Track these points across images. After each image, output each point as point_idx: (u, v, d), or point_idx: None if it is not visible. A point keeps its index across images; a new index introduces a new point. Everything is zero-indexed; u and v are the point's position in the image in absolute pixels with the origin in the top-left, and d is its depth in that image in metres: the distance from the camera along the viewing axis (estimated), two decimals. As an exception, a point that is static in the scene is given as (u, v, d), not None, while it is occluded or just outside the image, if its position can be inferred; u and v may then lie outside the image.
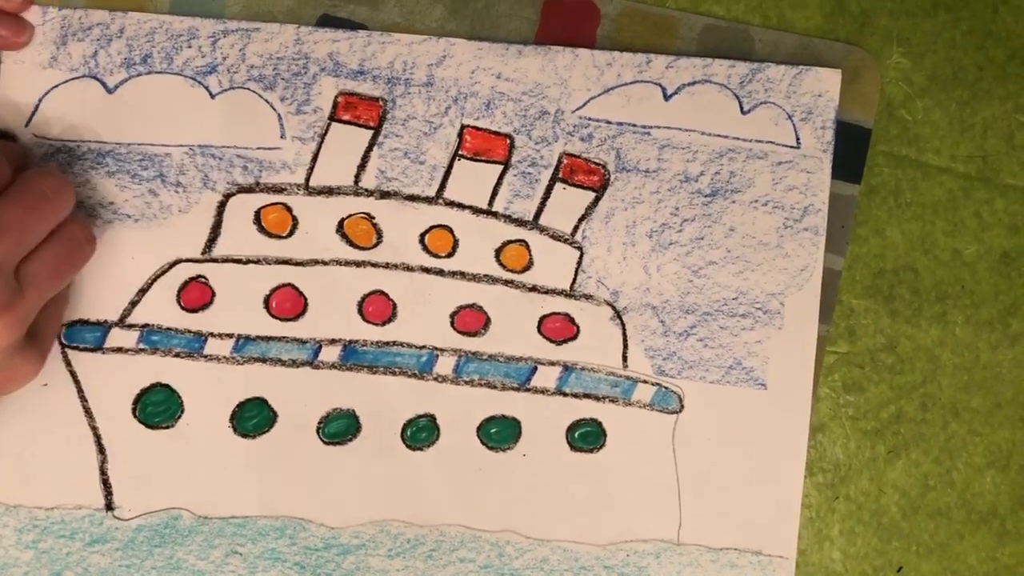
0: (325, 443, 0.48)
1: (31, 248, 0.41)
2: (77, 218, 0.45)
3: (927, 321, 0.51)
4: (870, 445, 0.51)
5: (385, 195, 0.49)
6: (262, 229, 0.48)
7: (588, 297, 0.49)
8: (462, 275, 0.49)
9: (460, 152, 0.49)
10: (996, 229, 0.51)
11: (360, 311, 0.48)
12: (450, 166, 0.49)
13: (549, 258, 0.49)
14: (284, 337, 0.48)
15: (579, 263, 0.49)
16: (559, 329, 0.49)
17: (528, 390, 0.49)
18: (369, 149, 0.48)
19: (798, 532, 0.49)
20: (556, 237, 0.49)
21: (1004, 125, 0.51)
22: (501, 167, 0.49)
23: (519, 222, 0.49)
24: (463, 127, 0.49)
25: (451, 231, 0.49)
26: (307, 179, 0.48)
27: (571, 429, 0.49)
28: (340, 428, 0.48)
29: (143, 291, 0.48)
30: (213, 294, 0.48)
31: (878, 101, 0.50)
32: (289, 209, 0.48)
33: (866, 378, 0.51)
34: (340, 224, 0.48)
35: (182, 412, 0.48)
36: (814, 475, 0.50)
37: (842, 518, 0.51)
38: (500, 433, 0.49)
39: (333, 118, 0.48)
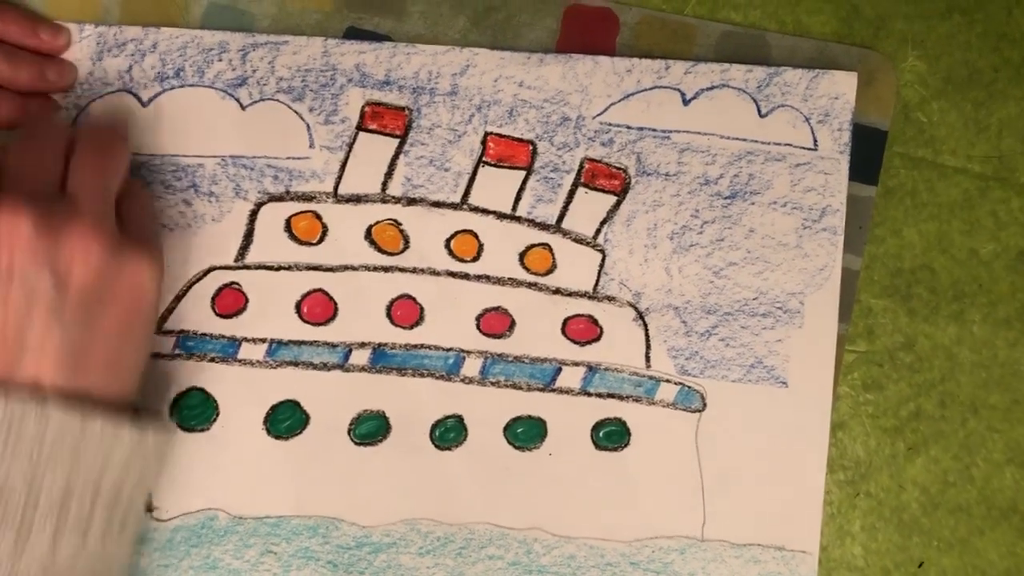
0: (356, 444, 0.49)
1: (54, 172, 0.42)
2: (99, 129, 0.46)
3: (945, 320, 0.51)
4: (890, 442, 0.51)
5: (411, 202, 0.49)
6: (293, 236, 0.49)
7: (611, 299, 0.50)
8: (487, 279, 0.50)
9: (484, 159, 0.49)
10: (1013, 228, 0.51)
11: (389, 315, 0.49)
12: (474, 172, 0.49)
13: (572, 261, 0.50)
14: (315, 341, 0.49)
15: (601, 265, 0.50)
16: (583, 330, 0.50)
17: (553, 390, 0.50)
18: (395, 157, 0.49)
19: (820, 528, 0.50)
20: (579, 240, 0.50)
21: (1019, 125, 0.51)
22: (524, 173, 0.50)
23: (542, 226, 0.50)
24: (487, 134, 0.49)
25: (476, 236, 0.49)
26: (336, 187, 0.49)
27: (596, 428, 0.50)
28: (371, 429, 0.49)
29: (179, 298, 0.49)
30: (246, 300, 0.49)
31: (894, 103, 0.51)
32: (319, 217, 0.49)
33: (885, 376, 0.51)
34: (368, 231, 0.49)
35: (217, 415, 0.49)
36: (835, 472, 0.51)
37: (863, 514, 0.51)
38: (526, 433, 0.50)
39: (360, 127, 0.49)
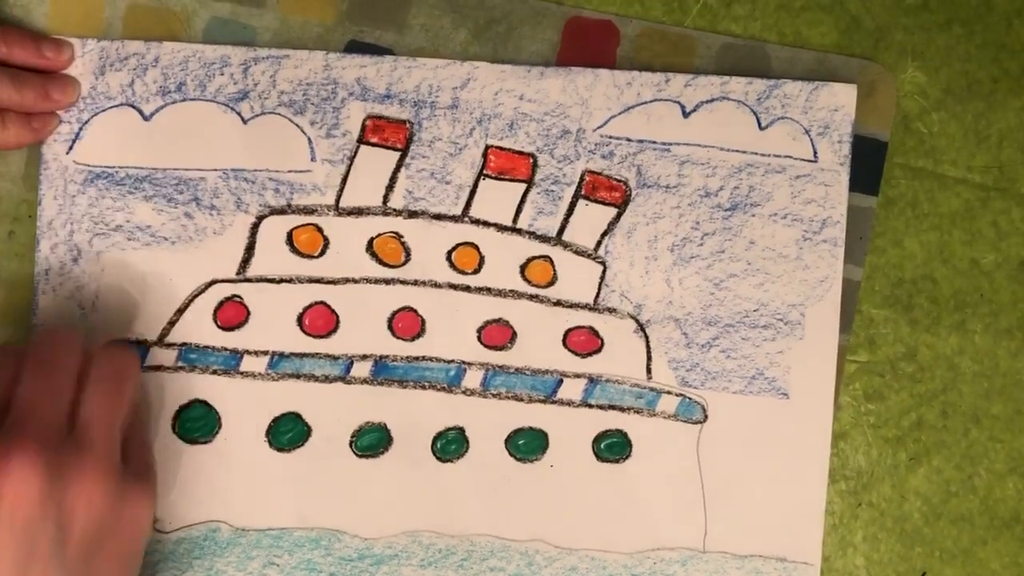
0: (358, 456, 0.49)
1: (66, 401, 0.41)
2: (114, 344, 0.46)
3: (946, 330, 0.51)
4: (892, 452, 0.51)
5: (413, 214, 0.50)
6: (294, 249, 0.49)
7: (612, 310, 0.50)
8: (488, 291, 0.50)
9: (485, 171, 0.50)
10: (1013, 238, 0.51)
11: (390, 327, 0.49)
12: (475, 185, 0.50)
13: (573, 273, 0.50)
14: (317, 353, 0.49)
15: (602, 277, 0.50)
16: (584, 342, 0.50)
17: (554, 402, 0.50)
18: (397, 170, 0.49)
19: (822, 539, 0.50)
20: (579, 252, 0.50)
21: (1019, 136, 0.51)
22: (525, 185, 0.50)
23: (543, 238, 0.50)
24: (487, 147, 0.50)
25: (477, 248, 0.50)
26: (337, 200, 0.49)
27: (597, 440, 0.50)
28: (372, 441, 0.49)
29: (181, 311, 0.49)
30: (248, 313, 0.49)
31: (894, 114, 0.51)
32: (320, 230, 0.49)
33: (887, 386, 0.51)
34: (370, 243, 0.49)
35: (220, 427, 0.49)
36: (837, 482, 0.51)
37: (865, 525, 0.51)
38: (528, 444, 0.50)
39: (362, 141, 0.49)
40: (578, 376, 0.50)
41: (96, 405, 0.41)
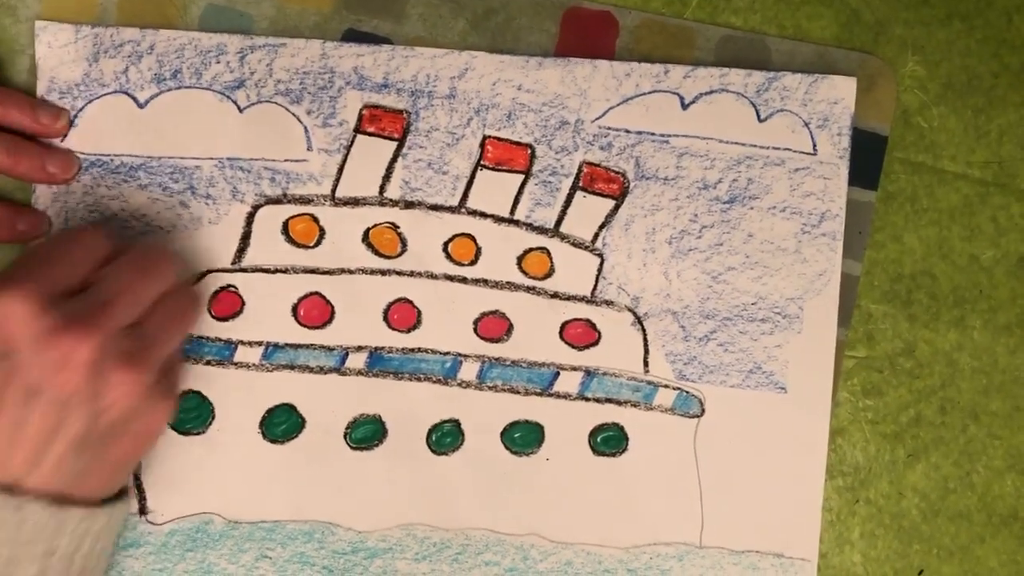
0: (352, 448, 0.49)
1: (143, 307, 0.42)
2: (183, 286, 0.46)
3: (945, 325, 0.51)
4: (889, 449, 0.51)
5: (409, 205, 0.49)
6: (290, 239, 0.49)
7: (609, 303, 0.50)
8: (485, 282, 0.49)
9: (482, 162, 0.49)
10: (1013, 234, 0.51)
11: (386, 319, 0.49)
12: (472, 176, 0.49)
13: (570, 265, 0.49)
14: (312, 344, 0.49)
15: (600, 270, 0.50)
16: (581, 335, 0.50)
17: (551, 395, 0.49)
18: (393, 160, 0.49)
19: (819, 535, 0.50)
20: (577, 244, 0.50)
21: (1019, 131, 0.51)
22: (522, 176, 0.49)
23: (540, 230, 0.50)
24: (485, 138, 0.49)
25: (474, 239, 0.49)
26: (333, 190, 0.49)
27: (593, 433, 0.50)
28: (367, 434, 0.49)
29: (175, 300, 0.49)
30: (243, 303, 0.49)
31: (894, 109, 0.51)
32: (316, 220, 0.49)
33: (885, 382, 0.51)
34: (366, 234, 0.49)
35: (213, 418, 0.48)
36: (834, 478, 0.51)
37: (862, 521, 0.51)
38: (523, 438, 0.49)
39: (358, 130, 0.49)
40: (575, 369, 0.49)
41: (167, 321, 0.43)
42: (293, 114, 0.49)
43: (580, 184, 0.49)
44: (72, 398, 0.39)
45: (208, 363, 0.48)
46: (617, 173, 0.50)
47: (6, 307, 0.39)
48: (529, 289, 0.50)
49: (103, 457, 0.41)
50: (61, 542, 0.39)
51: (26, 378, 0.39)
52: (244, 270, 0.49)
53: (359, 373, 0.49)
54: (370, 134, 0.49)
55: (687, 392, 0.50)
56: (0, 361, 0.39)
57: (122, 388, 0.40)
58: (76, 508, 0.40)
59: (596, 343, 0.50)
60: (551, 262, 0.50)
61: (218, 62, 0.49)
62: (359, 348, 0.49)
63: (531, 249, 0.50)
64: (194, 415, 0.48)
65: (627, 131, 0.49)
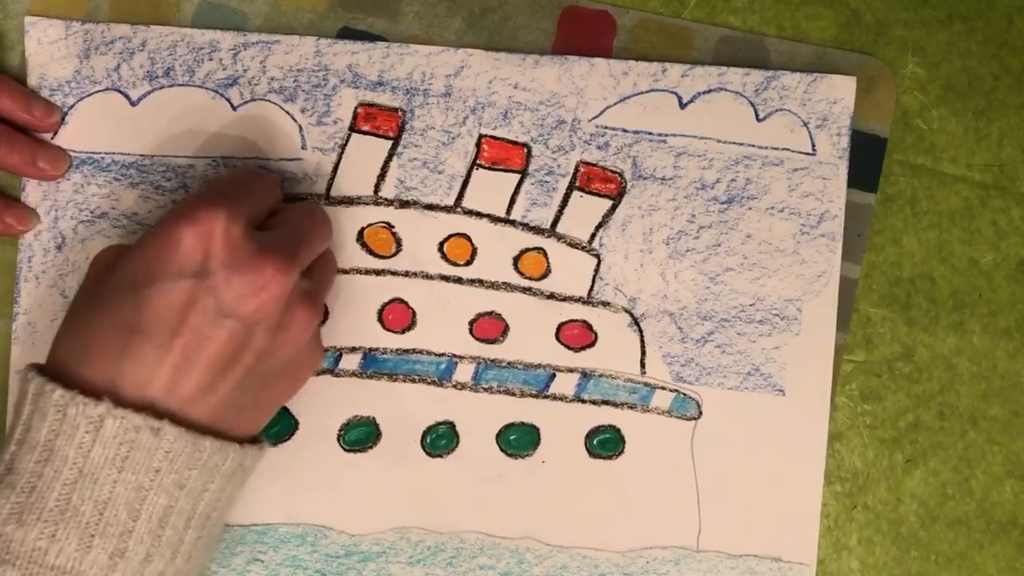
0: (346, 450, 0.49)
1: (315, 256, 0.44)
2: (308, 202, 0.48)
3: (944, 330, 0.51)
4: (888, 454, 0.51)
5: (404, 204, 0.49)
6: (283, 238, 0.49)
7: (606, 304, 0.49)
8: (480, 283, 0.49)
9: (478, 161, 0.49)
10: (1013, 237, 0.51)
11: (380, 319, 0.49)
12: (468, 175, 0.49)
13: (567, 266, 0.49)
14: (305, 345, 0.48)
15: (596, 270, 0.49)
16: (577, 336, 0.49)
17: (547, 397, 0.49)
18: (388, 159, 0.49)
19: (817, 539, 0.49)
20: (573, 245, 0.49)
21: (1020, 134, 0.51)
22: (519, 176, 0.49)
23: (537, 230, 0.49)
24: (481, 137, 0.49)
25: (469, 239, 0.49)
26: (327, 189, 0.49)
27: (590, 436, 0.49)
28: (360, 435, 0.49)
29: (166, 300, 0.48)
30: (235, 302, 0.48)
31: (894, 110, 0.50)
32: (309, 218, 0.49)
33: (883, 387, 0.51)
34: (360, 233, 0.49)
35: (204, 420, 0.48)
36: (832, 484, 0.50)
37: (860, 527, 0.50)
38: (519, 440, 0.49)
39: (353, 129, 0.49)
40: (571, 371, 0.49)
41: (328, 273, 0.46)
42: (287, 112, 0.49)
43: (577, 184, 0.49)
44: (258, 326, 0.39)
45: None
46: (614, 173, 0.49)
47: (211, 224, 0.39)
48: (525, 290, 0.49)
49: (262, 394, 0.42)
50: (191, 475, 0.39)
51: (219, 299, 0.38)
52: (237, 269, 0.48)
53: (353, 374, 0.49)
54: (365, 133, 0.49)
55: (684, 394, 0.49)
56: (194, 278, 0.38)
57: (301, 324, 0.41)
58: (209, 439, 0.39)
59: (593, 344, 0.49)
60: (547, 262, 0.49)
61: (211, 59, 0.48)
62: (353, 349, 0.49)
63: (527, 249, 0.49)
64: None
65: (624, 130, 0.49)
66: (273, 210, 0.44)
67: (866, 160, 0.50)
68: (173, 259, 0.38)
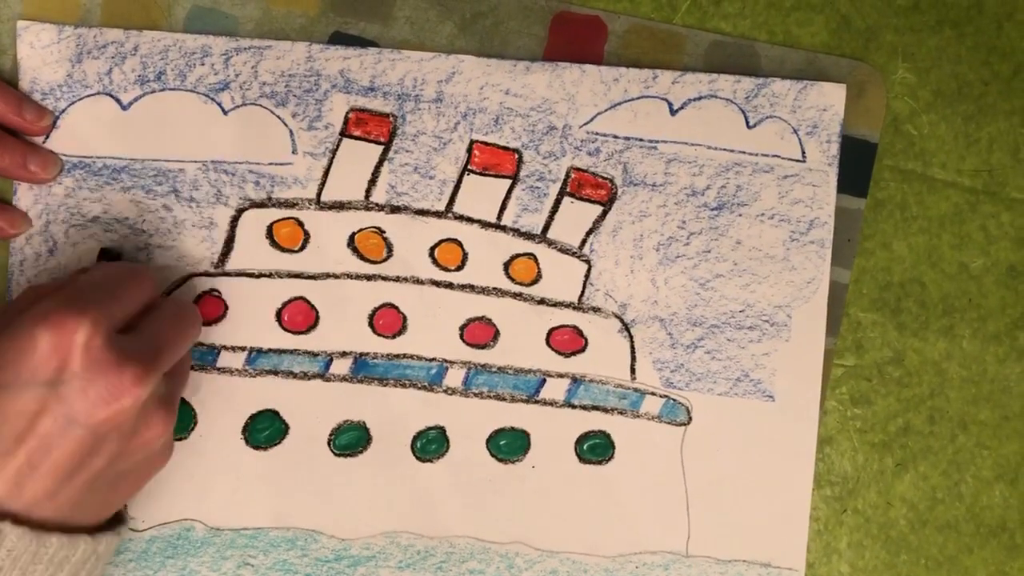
0: (336, 455, 0.49)
1: (178, 359, 0.42)
2: (183, 297, 0.47)
3: (934, 334, 0.51)
4: (878, 458, 0.51)
5: (395, 209, 0.49)
6: (274, 243, 0.49)
7: (596, 310, 0.49)
8: (471, 288, 0.49)
9: (469, 167, 0.49)
10: (1003, 242, 0.51)
11: (371, 324, 0.49)
12: (459, 181, 0.49)
13: (557, 271, 0.49)
14: (296, 350, 0.48)
15: (587, 276, 0.49)
16: (567, 341, 0.49)
17: (537, 402, 0.49)
18: (379, 164, 0.49)
19: (807, 544, 0.49)
20: (564, 250, 0.49)
21: (1010, 139, 0.51)
22: (509, 181, 0.49)
23: (527, 236, 0.49)
24: (472, 142, 0.49)
25: (460, 245, 0.49)
26: (318, 194, 0.49)
27: (580, 441, 0.49)
28: (351, 440, 0.49)
29: (157, 305, 0.48)
30: (226, 307, 0.48)
31: (884, 116, 0.50)
32: (301, 224, 0.49)
33: (873, 391, 0.51)
34: (351, 238, 0.49)
35: (195, 424, 0.48)
36: (822, 488, 0.50)
37: (850, 531, 0.50)
38: (509, 445, 0.49)
39: (344, 134, 0.49)
40: (561, 376, 0.49)
41: (187, 370, 0.45)
42: (278, 117, 0.48)
43: (568, 190, 0.49)
44: (110, 433, 0.39)
45: (191, 368, 0.48)
46: (605, 179, 0.49)
47: (72, 334, 0.38)
48: (516, 295, 0.49)
49: (110, 494, 0.41)
50: (37, 570, 0.38)
51: (70, 407, 0.38)
52: (228, 274, 0.48)
53: (343, 379, 0.49)
54: (356, 138, 0.49)
55: (674, 400, 0.49)
56: (47, 386, 0.37)
57: (155, 431, 0.40)
58: (55, 536, 0.38)
59: (583, 350, 0.49)
60: (538, 268, 0.49)
61: (203, 64, 0.48)
62: (344, 354, 0.49)
63: (518, 255, 0.49)
64: (176, 421, 0.48)
65: (615, 136, 0.49)
66: (145, 305, 0.42)
67: (856, 165, 0.50)
68: (27, 365, 0.37)
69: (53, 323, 0.37)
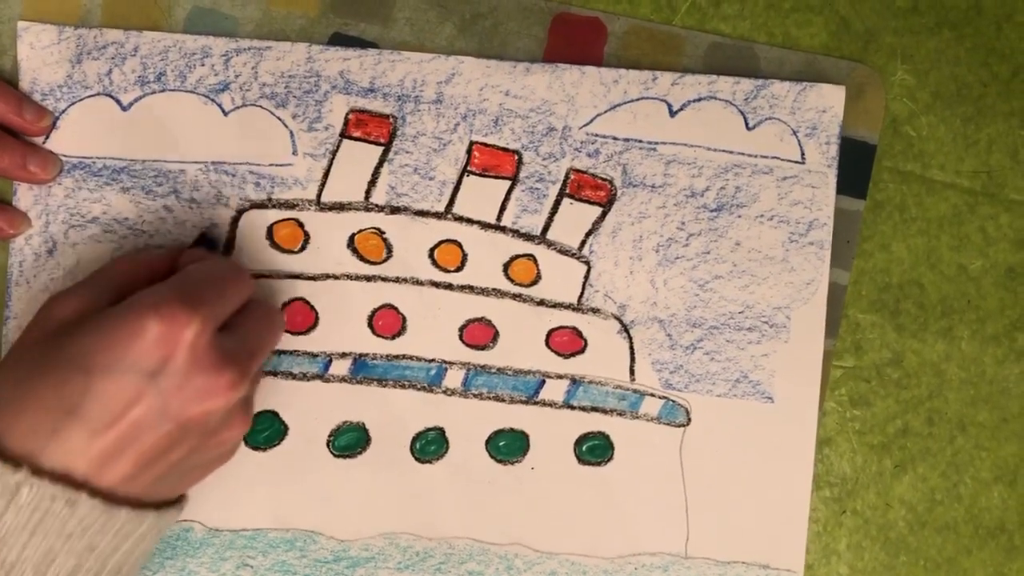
0: (335, 456, 0.49)
1: (227, 311, 0.42)
2: (265, 301, 0.46)
3: (933, 336, 0.51)
4: (877, 459, 0.51)
5: (395, 210, 0.49)
6: (274, 244, 0.49)
7: (595, 311, 0.49)
8: (471, 289, 0.49)
9: (469, 168, 0.49)
10: (1001, 244, 0.51)
11: (370, 325, 0.49)
12: (459, 182, 0.49)
13: (556, 272, 0.49)
14: (295, 351, 0.48)
15: (586, 277, 0.49)
16: (567, 342, 0.49)
17: (536, 403, 0.49)
18: (379, 165, 0.49)
19: (805, 546, 0.49)
20: (563, 251, 0.49)
21: (1008, 141, 0.51)
22: (509, 183, 0.49)
23: (527, 237, 0.49)
24: (472, 143, 0.49)
25: (460, 246, 0.49)
26: (318, 195, 0.49)
27: (579, 442, 0.49)
28: (350, 441, 0.49)
29: (156, 305, 0.48)
30: (225, 308, 0.48)
31: (883, 117, 0.50)
32: (301, 224, 0.49)
33: (872, 392, 0.51)
34: (351, 239, 0.49)
35: (194, 425, 0.48)
36: (821, 489, 0.50)
37: (849, 532, 0.50)
38: (508, 446, 0.49)
39: (344, 135, 0.49)
40: (560, 377, 0.49)
41: (261, 373, 0.46)
42: (278, 118, 0.48)
43: (567, 191, 0.49)
44: (195, 429, 0.39)
45: None
46: (604, 180, 0.49)
47: (182, 329, 0.38)
48: (515, 296, 0.49)
49: (181, 480, 0.42)
50: (103, 539, 0.39)
51: (165, 400, 0.38)
52: (227, 275, 0.48)
53: (343, 380, 0.49)
54: (356, 139, 0.49)
55: (673, 401, 0.49)
56: (149, 376, 0.38)
57: (234, 433, 0.42)
58: (125, 509, 0.39)
59: (582, 351, 0.49)
60: (537, 269, 0.49)
61: (203, 65, 0.48)
62: (343, 354, 0.49)
63: (517, 256, 0.49)
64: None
65: (615, 138, 0.49)
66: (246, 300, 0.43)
67: (855, 167, 0.50)
68: (132, 351, 0.38)
69: (165, 316, 0.38)
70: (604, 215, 0.49)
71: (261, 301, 0.44)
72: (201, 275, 0.41)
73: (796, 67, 0.50)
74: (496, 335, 0.49)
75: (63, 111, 0.48)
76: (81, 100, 0.48)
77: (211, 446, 0.41)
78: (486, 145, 0.49)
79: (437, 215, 0.49)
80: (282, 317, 0.46)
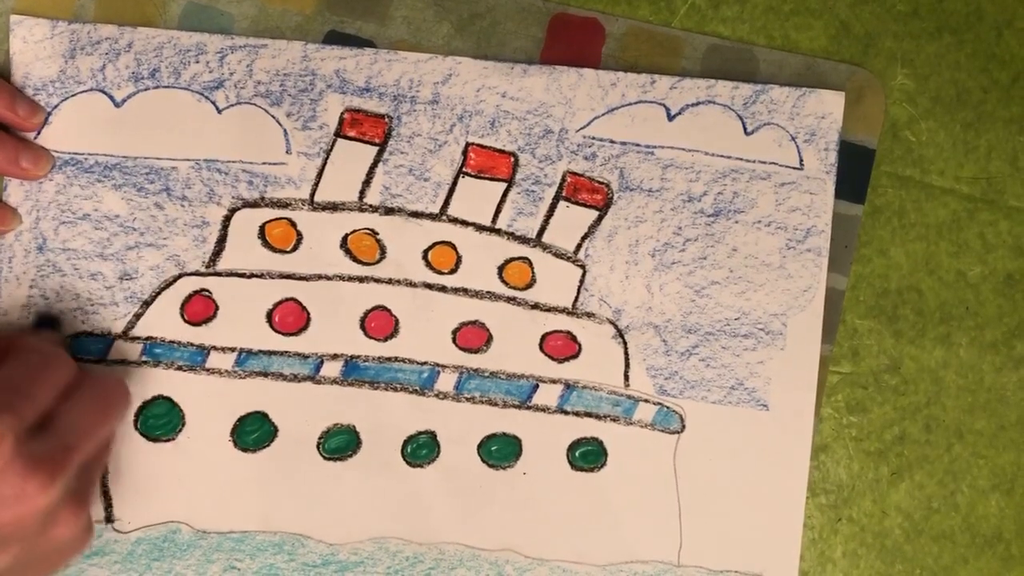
0: (325, 458, 0.48)
1: (98, 447, 0.42)
2: (109, 373, 0.45)
3: (931, 342, 0.51)
4: (873, 466, 0.50)
5: (389, 211, 0.49)
6: (266, 244, 0.48)
7: (590, 315, 0.49)
8: (464, 292, 0.49)
9: (464, 169, 0.49)
10: (1000, 251, 0.51)
11: (362, 326, 0.48)
12: (454, 183, 0.49)
13: (552, 276, 0.49)
14: (286, 352, 0.48)
15: (581, 281, 0.49)
16: (561, 347, 0.49)
17: (529, 408, 0.49)
18: (374, 165, 0.49)
19: (800, 554, 0.49)
20: (559, 255, 0.49)
21: (1008, 147, 0.51)
22: (505, 185, 0.49)
23: (522, 239, 0.49)
24: (468, 145, 0.49)
25: (454, 248, 0.49)
26: (312, 194, 0.48)
27: (572, 448, 0.49)
28: (340, 444, 0.48)
29: (147, 304, 0.48)
30: (216, 308, 0.48)
31: (882, 122, 0.50)
32: (293, 224, 0.48)
33: (869, 399, 0.50)
34: (344, 239, 0.48)
35: (183, 425, 0.48)
36: (817, 496, 0.50)
37: (845, 540, 0.50)
38: (501, 451, 0.49)
39: (339, 134, 0.48)
40: (554, 382, 0.49)
41: (103, 457, 0.45)
42: (272, 116, 0.48)
43: (563, 194, 0.49)
44: (13, 534, 0.38)
45: (179, 369, 0.48)
46: (601, 184, 0.49)
47: (31, 497, 0.38)
48: (509, 299, 0.49)
49: None
50: None
51: None
52: (219, 274, 0.48)
53: (334, 382, 0.48)
54: (351, 138, 0.48)
55: (668, 407, 0.49)
56: None
57: (64, 527, 0.40)
58: None
59: (576, 356, 0.49)
60: (532, 272, 0.49)
61: (197, 62, 0.48)
62: (334, 356, 0.48)
63: (512, 259, 0.49)
64: (163, 421, 0.48)
65: (612, 141, 0.49)
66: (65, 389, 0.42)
67: (854, 171, 0.50)
68: None
69: None
70: (600, 219, 0.49)
71: (95, 379, 0.43)
72: (13, 373, 0.41)
73: (795, 70, 0.50)
74: (490, 338, 0.49)
75: (55, 106, 0.47)
76: (74, 95, 0.48)
77: (41, 545, 0.40)
78: (482, 146, 0.49)
79: (432, 216, 0.49)
80: (120, 389, 0.44)
